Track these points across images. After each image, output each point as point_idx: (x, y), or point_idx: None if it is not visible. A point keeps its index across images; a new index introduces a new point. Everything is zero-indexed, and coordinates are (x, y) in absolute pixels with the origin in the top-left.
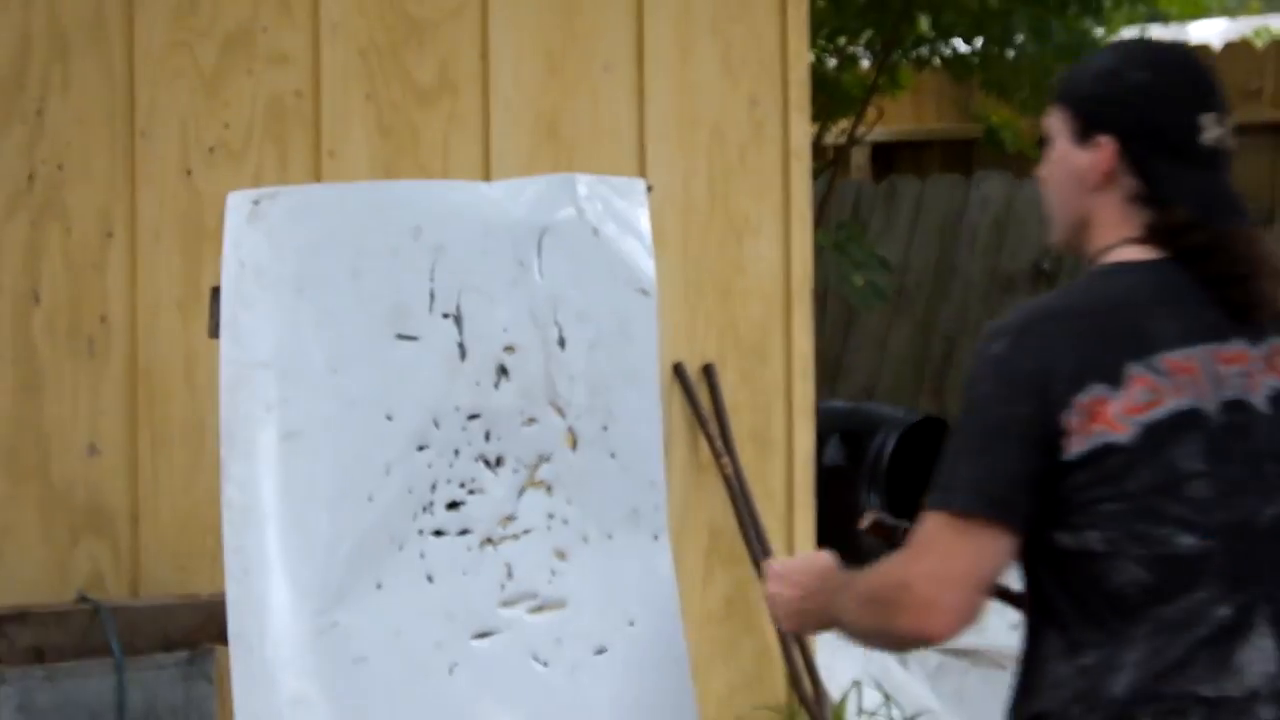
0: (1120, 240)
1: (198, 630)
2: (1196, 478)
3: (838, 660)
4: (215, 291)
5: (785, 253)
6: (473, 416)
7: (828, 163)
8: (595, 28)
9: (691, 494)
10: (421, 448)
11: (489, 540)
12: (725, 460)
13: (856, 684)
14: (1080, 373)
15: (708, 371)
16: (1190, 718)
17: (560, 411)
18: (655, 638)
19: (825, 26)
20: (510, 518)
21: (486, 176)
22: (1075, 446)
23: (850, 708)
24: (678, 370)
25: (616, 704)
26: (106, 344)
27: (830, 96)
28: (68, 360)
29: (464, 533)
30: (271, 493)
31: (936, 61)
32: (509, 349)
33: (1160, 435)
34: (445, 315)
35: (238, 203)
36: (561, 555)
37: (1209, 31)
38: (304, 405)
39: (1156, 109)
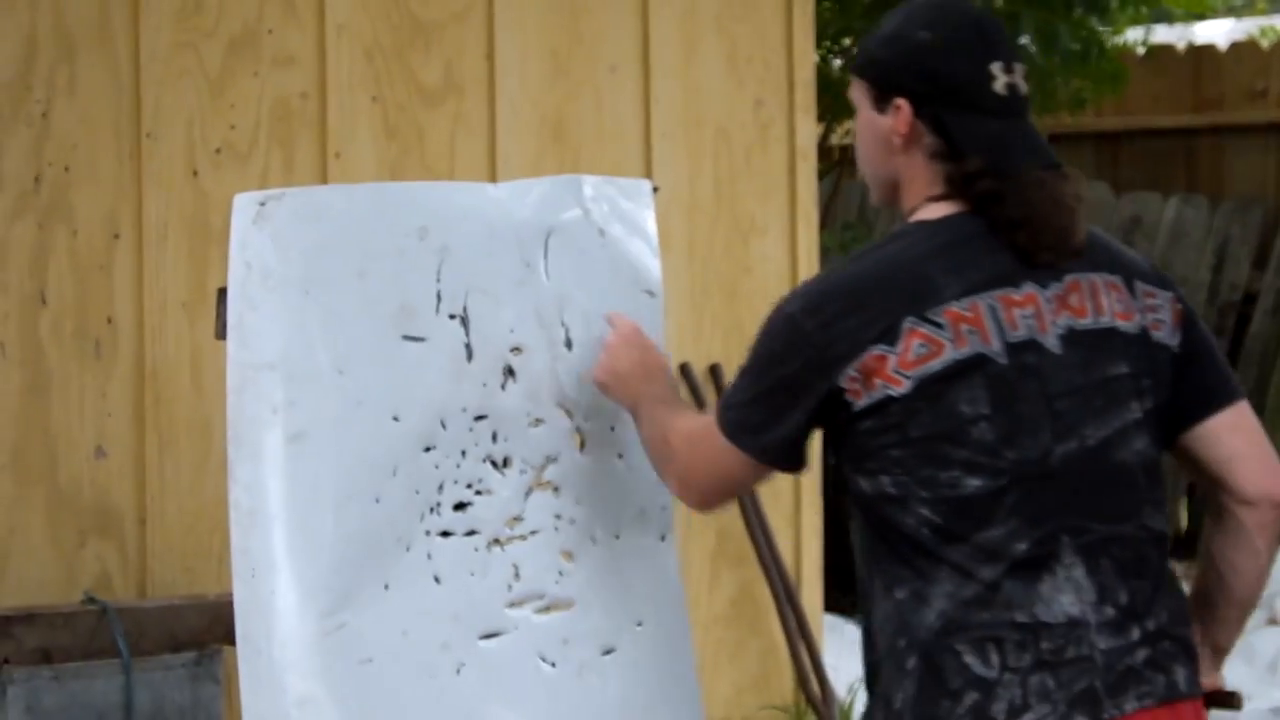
0: (923, 199)
1: (205, 631)
2: (979, 420)
3: (845, 660)
4: (221, 293)
5: (791, 253)
6: (480, 417)
7: (833, 163)
8: (600, 29)
9: None
10: (428, 449)
11: (496, 541)
12: None
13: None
14: (862, 338)
15: (714, 372)
16: (1007, 644)
17: (567, 412)
18: (663, 638)
19: (831, 27)
20: (517, 518)
21: (492, 177)
22: (860, 400)
23: (858, 707)
24: (684, 371)
25: (624, 704)
26: (113, 345)
27: (836, 97)
28: (74, 362)
29: (471, 533)
30: (278, 494)
31: None
32: (516, 350)
33: (938, 385)
34: (451, 316)
35: (244, 204)
36: (569, 556)
37: (1215, 31)
38: (310, 407)
39: (943, 65)
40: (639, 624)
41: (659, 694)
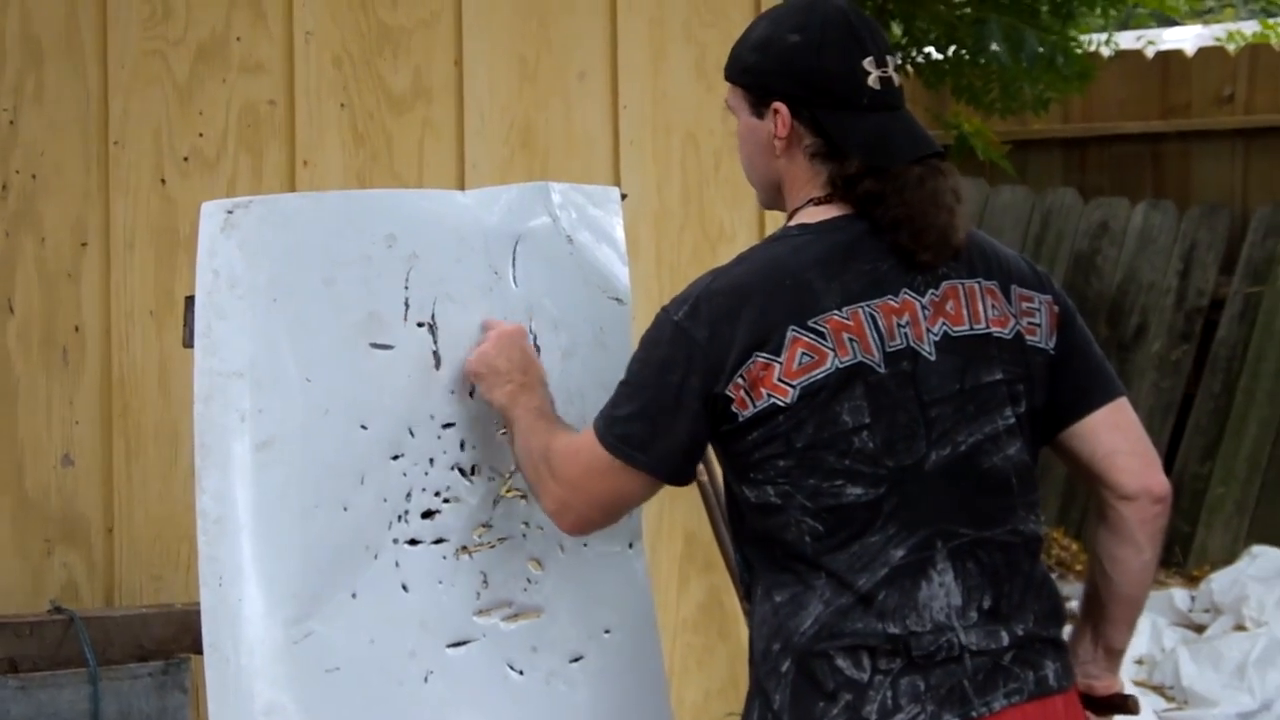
0: (805, 200)
1: (172, 640)
2: (860, 430)
3: None
4: (189, 301)
5: None
6: (448, 425)
7: None
8: (569, 35)
9: (666, 501)
10: (396, 456)
11: (464, 549)
12: (700, 467)
13: None
14: (747, 345)
15: None
16: (878, 651)
17: None
18: (631, 645)
19: None
20: (485, 526)
21: (461, 184)
22: (745, 410)
23: None
24: None
25: (592, 712)
26: (80, 353)
27: None
28: (41, 370)
29: (439, 541)
30: (246, 502)
31: (909, 69)
32: None
33: (822, 394)
34: (420, 324)
35: (212, 212)
36: (537, 564)
37: (1182, 37)
38: (278, 414)
39: (814, 65)
40: (607, 631)
41: (628, 701)
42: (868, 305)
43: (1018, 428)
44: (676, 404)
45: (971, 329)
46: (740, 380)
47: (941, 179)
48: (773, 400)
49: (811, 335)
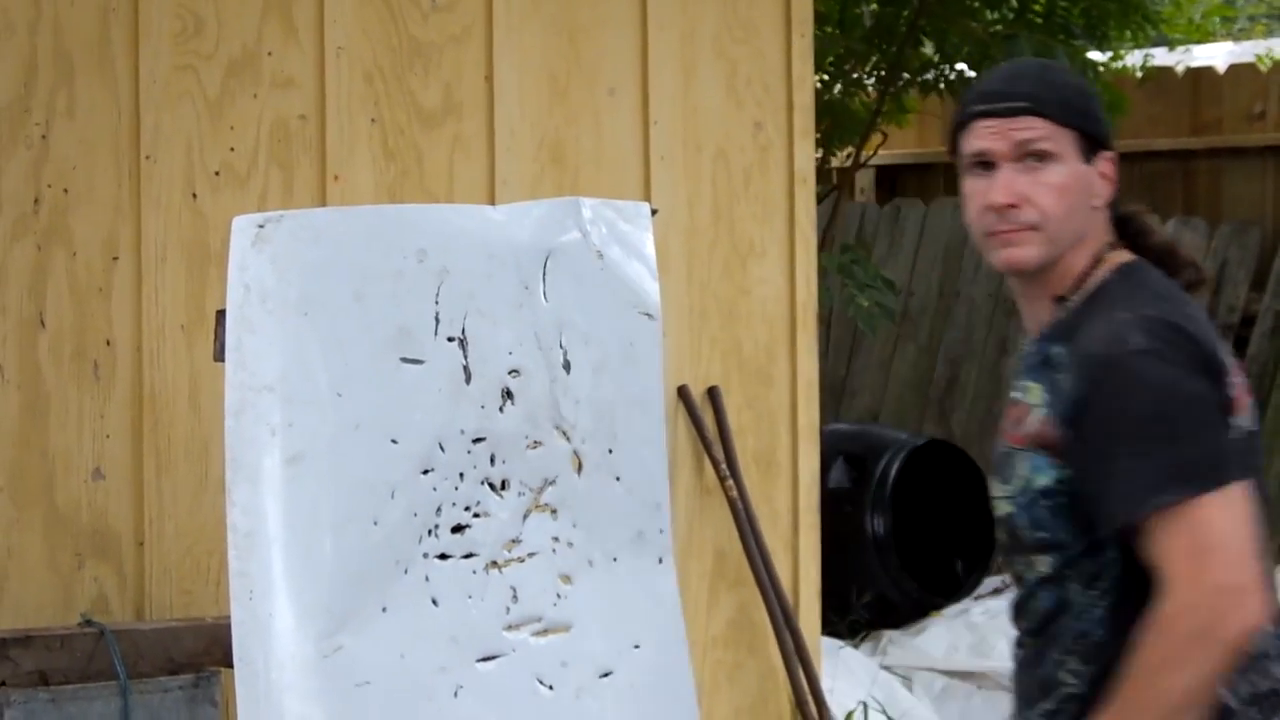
0: (1104, 245)
1: (202, 654)
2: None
3: (842, 683)
4: (220, 315)
5: (790, 276)
6: (478, 440)
7: (832, 186)
8: (599, 51)
9: (696, 517)
10: (426, 471)
11: (494, 564)
12: (730, 483)
13: (863, 706)
14: (1218, 352)
15: (712, 394)
16: None
17: (565, 435)
18: (660, 661)
19: (831, 51)
20: (515, 541)
21: (491, 200)
22: (1235, 422)
23: None
24: (682, 393)
25: None
26: (111, 368)
27: (835, 121)
28: (73, 384)
29: (469, 556)
30: (276, 516)
31: (941, 86)
32: (514, 372)
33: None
34: (450, 339)
35: (242, 226)
36: (566, 579)
37: (1213, 54)
38: (309, 429)
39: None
40: (637, 646)
41: (657, 717)
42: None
43: None
44: (1208, 409)
45: None
46: (1231, 388)
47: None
48: (1241, 419)
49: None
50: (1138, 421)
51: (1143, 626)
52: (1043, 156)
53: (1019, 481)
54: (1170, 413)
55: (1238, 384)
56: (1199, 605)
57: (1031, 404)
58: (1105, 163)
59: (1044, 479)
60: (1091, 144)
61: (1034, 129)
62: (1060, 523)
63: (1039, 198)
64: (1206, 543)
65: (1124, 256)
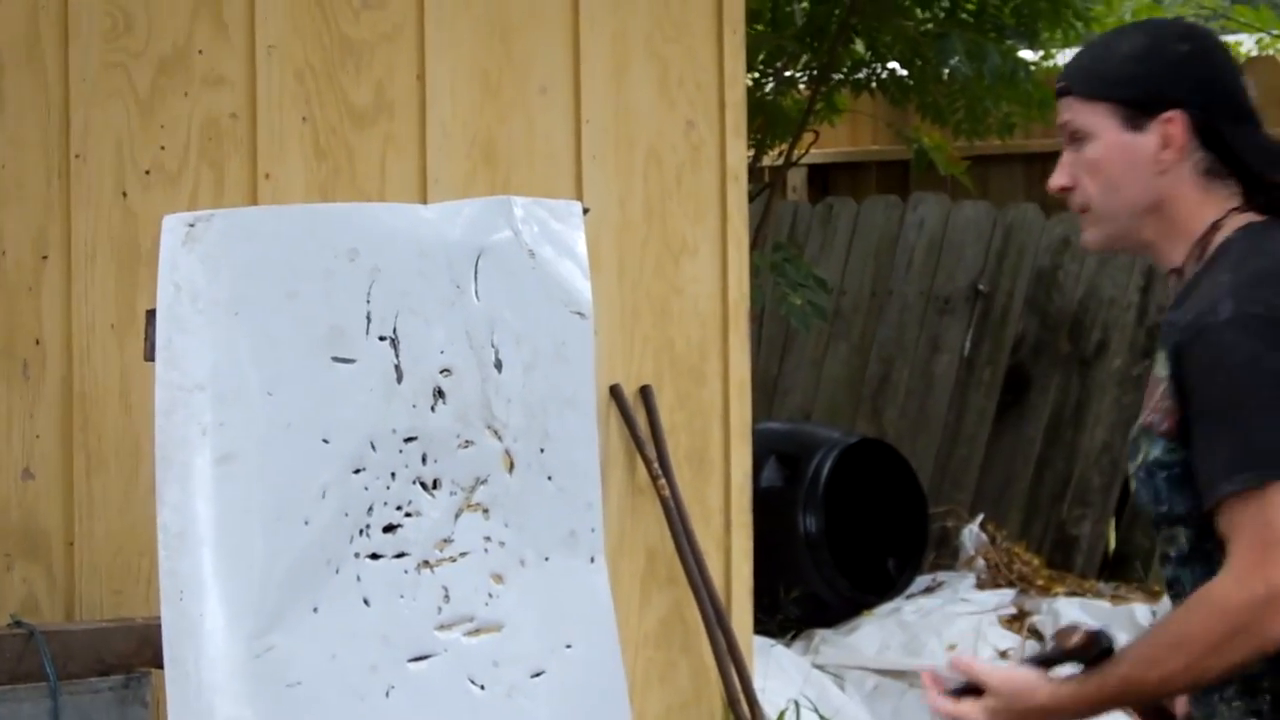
0: (1224, 212)
1: (133, 654)
2: None
3: (774, 682)
4: (151, 314)
5: (722, 274)
6: (409, 439)
7: (764, 185)
8: (531, 50)
9: (628, 516)
10: (358, 470)
11: (426, 563)
12: (662, 482)
13: (794, 704)
14: None
15: (645, 393)
16: None
17: (497, 434)
18: (592, 660)
19: (763, 49)
20: (447, 540)
21: (423, 199)
22: None
23: None
24: (614, 392)
25: None
26: (41, 367)
27: (767, 119)
28: (2, 383)
29: (400, 556)
30: (207, 516)
31: (873, 85)
32: (445, 371)
33: None
34: (382, 338)
35: (173, 225)
36: (498, 578)
37: None
38: (240, 428)
39: (1211, 76)
40: (569, 646)
41: (589, 716)
42: None
43: None
44: None
45: None
46: None
47: None
48: None
49: None
50: (1215, 399)
51: (1197, 595)
52: (1079, 136)
53: (1141, 455)
54: (1244, 392)
55: None
56: (1253, 604)
57: (1158, 376)
58: (1164, 125)
59: (1156, 450)
60: (1139, 110)
61: (1068, 110)
62: (1179, 496)
63: (1082, 179)
64: (1273, 536)
65: (1248, 218)
